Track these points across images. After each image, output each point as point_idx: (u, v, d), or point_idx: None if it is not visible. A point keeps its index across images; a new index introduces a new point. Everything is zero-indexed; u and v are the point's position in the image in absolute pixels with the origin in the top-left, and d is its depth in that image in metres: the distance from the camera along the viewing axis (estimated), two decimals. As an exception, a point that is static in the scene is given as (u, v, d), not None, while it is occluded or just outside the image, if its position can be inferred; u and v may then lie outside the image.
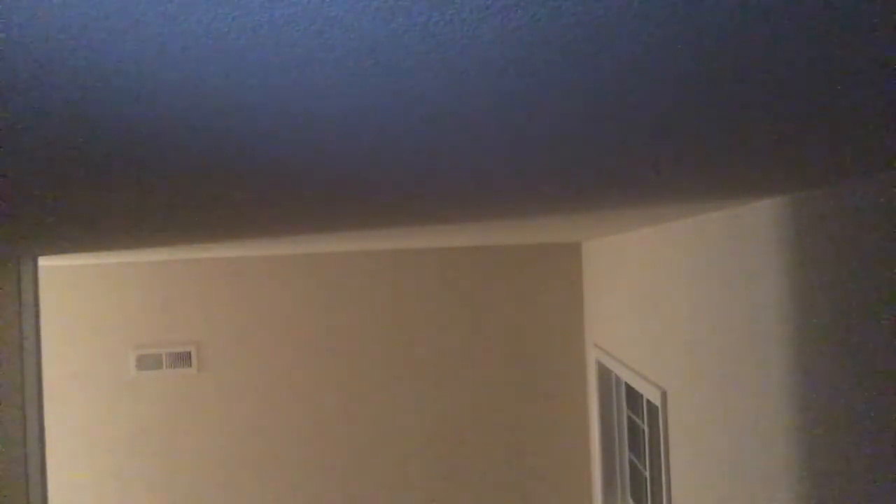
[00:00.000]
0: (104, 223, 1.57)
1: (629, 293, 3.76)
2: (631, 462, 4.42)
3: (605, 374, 4.65)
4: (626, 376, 3.84)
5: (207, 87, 0.60)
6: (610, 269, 4.20)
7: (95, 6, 0.43)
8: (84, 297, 4.80)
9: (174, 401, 4.85)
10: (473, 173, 1.16)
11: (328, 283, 4.95)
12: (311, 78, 0.60)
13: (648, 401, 3.69)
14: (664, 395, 3.18)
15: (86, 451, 4.80)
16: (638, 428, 4.16)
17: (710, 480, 2.67)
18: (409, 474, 4.97)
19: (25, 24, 0.45)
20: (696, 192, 1.70)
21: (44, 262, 4.11)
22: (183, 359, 4.82)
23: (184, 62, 0.54)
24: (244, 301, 4.89)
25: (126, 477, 4.82)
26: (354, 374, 4.96)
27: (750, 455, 2.28)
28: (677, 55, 0.60)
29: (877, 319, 1.51)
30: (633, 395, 4.26)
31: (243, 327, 4.89)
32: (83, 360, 4.80)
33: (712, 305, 2.54)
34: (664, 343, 3.15)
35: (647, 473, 3.86)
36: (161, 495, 4.84)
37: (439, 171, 1.12)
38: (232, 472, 4.88)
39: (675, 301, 2.95)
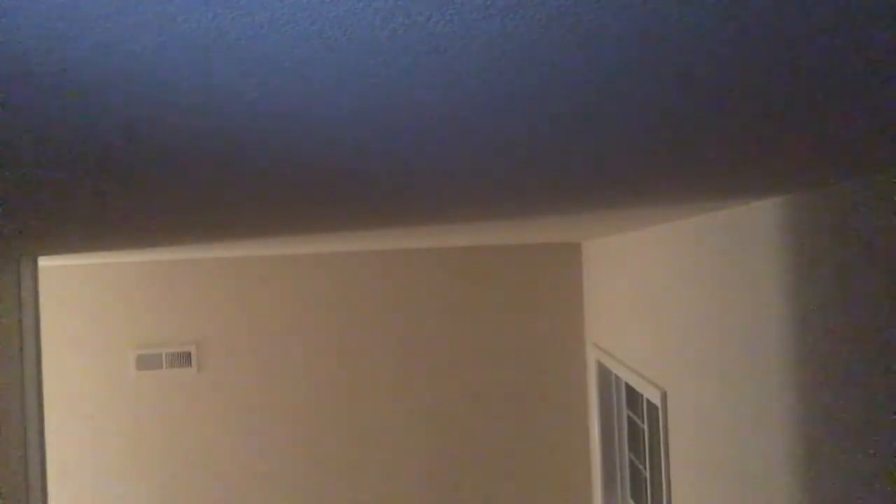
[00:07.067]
0: (104, 223, 1.57)
1: (629, 293, 3.76)
2: (631, 462, 4.42)
3: (605, 374, 4.65)
4: (626, 376, 3.83)
5: (208, 87, 0.60)
6: (610, 269, 4.20)
7: (96, 6, 0.43)
8: (84, 297, 4.80)
9: (174, 401, 4.85)
10: (473, 173, 1.16)
11: (328, 282, 4.95)
12: (311, 78, 0.60)
13: (648, 401, 3.69)
14: (664, 395, 3.18)
15: (85, 451, 4.80)
16: (638, 428, 4.16)
17: (710, 480, 2.67)
18: (409, 472, 4.97)
19: (25, 24, 0.44)
20: (696, 192, 1.70)
21: (44, 262, 4.11)
22: (183, 359, 4.82)
23: (184, 62, 0.54)
24: (244, 301, 4.89)
25: (126, 477, 4.82)
26: (354, 373, 4.96)
27: (750, 455, 2.27)
28: (677, 55, 0.60)
29: (877, 319, 1.51)
30: (633, 395, 4.26)
31: (243, 327, 4.89)
32: (83, 360, 4.80)
33: (712, 305, 2.54)
34: (664, 343, 3.15)
35: (647, 473, 3.86)
36: (161, 495, 4.84)
37: (439, 171, 1.12)
38: (232, 472, 4.88)
39: (675, 301, 2.95)
